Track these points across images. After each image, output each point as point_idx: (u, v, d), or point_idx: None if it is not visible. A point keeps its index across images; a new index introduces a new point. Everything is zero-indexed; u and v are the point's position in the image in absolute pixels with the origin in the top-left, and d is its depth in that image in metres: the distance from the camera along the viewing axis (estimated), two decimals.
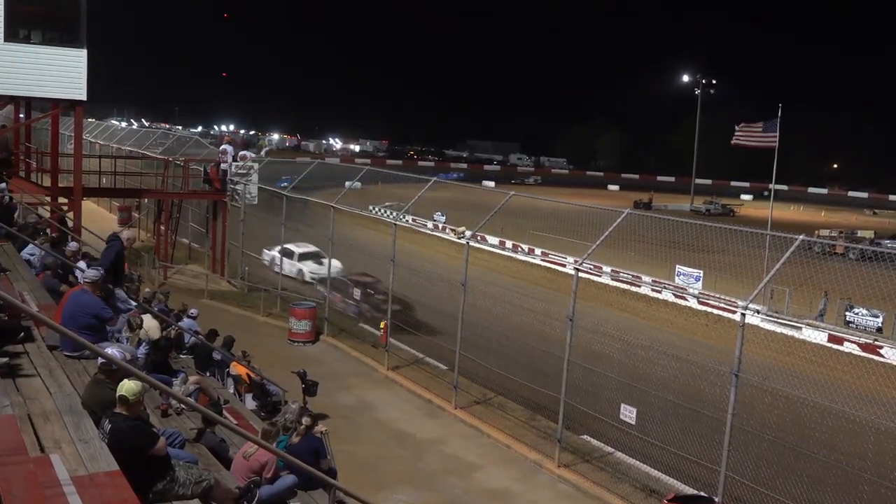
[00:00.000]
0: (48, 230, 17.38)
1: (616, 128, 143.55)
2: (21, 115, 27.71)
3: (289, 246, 26.27)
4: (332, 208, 22.11)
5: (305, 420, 10.45)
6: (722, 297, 20.03)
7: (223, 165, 26.70)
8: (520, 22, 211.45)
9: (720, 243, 20.09)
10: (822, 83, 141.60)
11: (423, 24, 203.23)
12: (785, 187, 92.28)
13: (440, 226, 37.22)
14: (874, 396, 14.03)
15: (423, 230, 29.97)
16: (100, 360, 7.64)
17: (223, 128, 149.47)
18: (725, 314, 21.29)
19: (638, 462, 14.13)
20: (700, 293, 24.61)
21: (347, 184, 25.15)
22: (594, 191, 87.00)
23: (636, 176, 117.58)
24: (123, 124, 79.50)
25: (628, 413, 13.68)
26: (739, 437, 12.14)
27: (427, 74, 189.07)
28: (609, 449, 14.75)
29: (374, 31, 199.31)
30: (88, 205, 31.63)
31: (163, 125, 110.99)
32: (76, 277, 11.77)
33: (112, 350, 7.84)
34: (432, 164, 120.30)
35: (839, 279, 23.61)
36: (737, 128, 33.99)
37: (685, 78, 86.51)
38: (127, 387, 6.67)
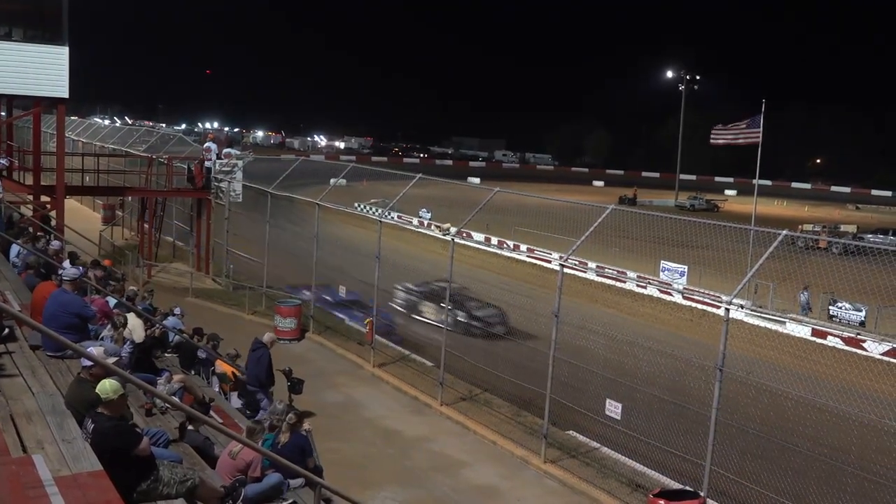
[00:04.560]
0: (30, 229, 17.28)
1: (601, 124, 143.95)
2: (2, 113, 27.49)
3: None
4: (317, 206, 22.05)
5: (289, 418, 10.42)
6: (706, 292, 20.17)
7: (207, 163, 26.59)
8: (506, 18, 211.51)
9: (704, 238, 20.14)
10: (806, 79, 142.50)
11: (410, 21, 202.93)
12: (769, 182, 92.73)
13: (426, 223, 37.27)
14: (857, 390, 14.14)
15: (408, 227, 29.96)
16: (83, 359, 7.61)
17: (207, 125, 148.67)
18: (710, 309, 21.44)
19: (624, 457, 14.18)
20: (685, 288, 24.72)
21: (332, 181, 25.08)
22: (579, 187, 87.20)
23: (621, 172, 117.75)
24: (106, 122, 79.05)
25: (613, 408, 13.72)
26: (724, 431, 12.20)
27: (413, 71, 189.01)
28: (595, 444, 14.79)
29: (360, 29, 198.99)
30: (71, 203, 31.42)
31: (146, 123, 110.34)
32: (58, 276, 11.70)
33: (95, 349, 7.80)
34: (417, 160, 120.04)
35: (822, 273, 23.80)
36: (714, 130, 34.17)
37: (669, 74, 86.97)
38: (104, 386, 6.64)
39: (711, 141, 34.63)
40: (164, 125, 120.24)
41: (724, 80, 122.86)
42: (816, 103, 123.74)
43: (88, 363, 7.54)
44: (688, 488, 12.17)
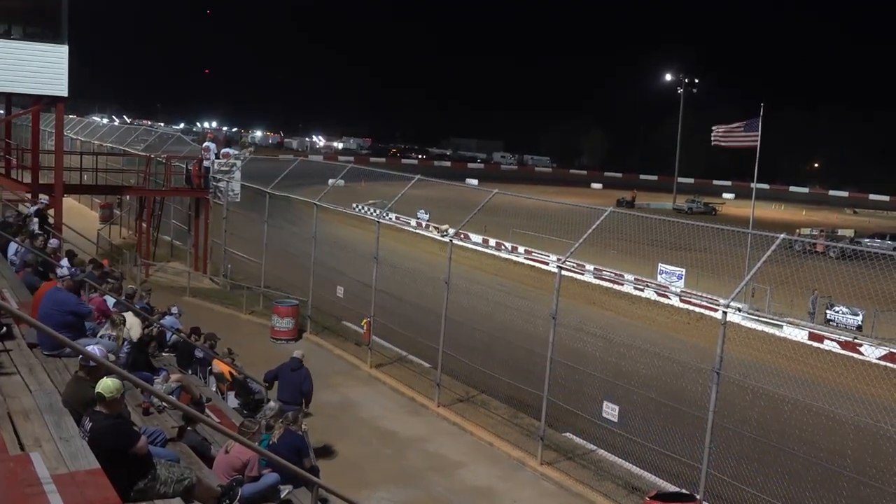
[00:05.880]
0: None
1: (599, 125, 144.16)
2: (1, 111, 27.47)
3: None
4: (316, 206, 22.06)
5: (285, 418, 10.43)
6: (704, 295, 20.18)
7: (206, 163, 26.57)
8: (504, 19, 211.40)
9: (702, 242, 20.17)
10: (803, 82, 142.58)
11: (409, 21, 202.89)
12: (766, 186, 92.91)
13: (424, 224, 37.28)
14: (853, 394, 14.17)
15: (406, 228, 29.97)
16: (80, 357, 7.61)
17: (206, 125, 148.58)
18: (707, 312, 21.46)
19: (620, 459, 14.19)
20: (682, 291, 24.71)
21: (331, 181, 25.09)
22: (577, 189, 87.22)
23: (619, 174, 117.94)
24: (105, 121, 79.02)
25: (610, 411, 13.73)
26: (721, 434, 12.22)
27: (412, 71, 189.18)
28: (591, 446, 14.80)
29: (359, 29, 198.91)
30: (69, 202, 31.44)
31: (145, 122, 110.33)
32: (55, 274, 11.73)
33: (92, 348, 7.81)
34: (416, 161, 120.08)
35: (820, 277, 23.81)
36: (714, 129, 34.16)
37: (668, 77, 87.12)
38: (104, 385, 6.65)
39: (712, 142, 34.57)
40: (162, 124, 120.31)
41: (723, 80, 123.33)
42: (815, 104, 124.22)
43: (87, 361, 7.55)
44: (684, 491, 12.19)
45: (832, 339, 21.83)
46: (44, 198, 20.76)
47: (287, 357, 14.47)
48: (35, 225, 17.99)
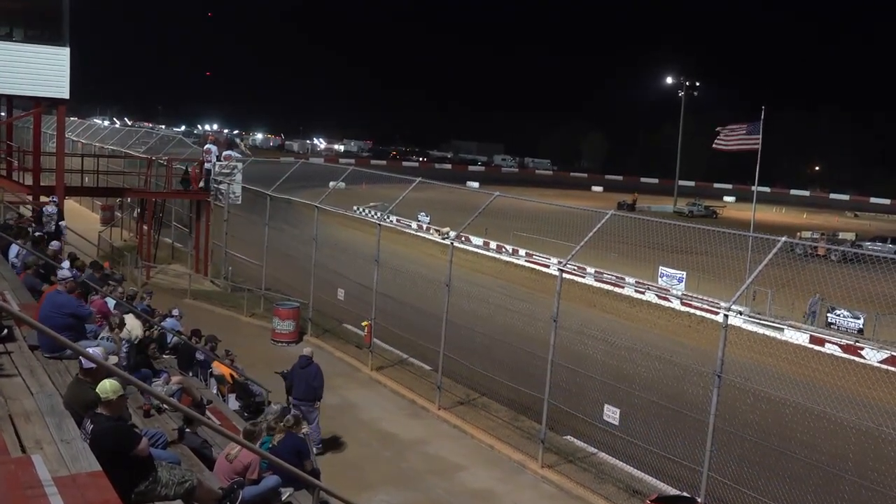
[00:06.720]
0: (30, 229, 17.32)
1: (599, 128, 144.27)
2: (2, 114, 27.49)
3: None
4: (316, 208, 22.05)
5: (287, 420, 10.42)
6: (705, 298, 20.17)
7: (207, 165, 26.56)
8: (504, 19, 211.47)
9: (703, 245, 20.17)
10: (805, 85, 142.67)
11: (409, 22, 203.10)
12: (767, 189, 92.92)
13: (424, 226, 37.27)
14: (855, 397, 14.16)
15: (407, 230, 29.97)
16: (81, 359, 7.61)
17: (207, 127, 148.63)
18: (708, 315, 21.44)
19: (621, 462, 14.17)
20: (683, 294, 24.70)
21: (332, 184, 25.08)
22: (578, 192, 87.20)
23: (620, 177, 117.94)
24: (106, 123, 79.04)
25: (611, 414, 13.71)
26: (722, 437, 12.20)
27: (413, 73, 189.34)
28: (592, 449, 14.79)
29: (359, 29, 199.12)
30: (70, 204, 31.45)
31: (146, 124, 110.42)
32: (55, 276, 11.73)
33: (93, 349, 7.80)
34: (416, 164, 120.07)
35: (821, 281, 23.81)
36: (719, 130, 34.20)
37: (669, 80, 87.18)
38: (105, 386, 6.64)
39: (714, 146, 34.60)
40: (163, 126, 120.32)
41: (724, 81, 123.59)
42: (816, 109, 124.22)
43: (86, 363, 7.54)
44: (685, 494, 12.17)
45: (833, 343, 21.83)
46: (54, 197, 20.82)
47: (289, 358, 14.48)
48: (62, 223, 18.25)
